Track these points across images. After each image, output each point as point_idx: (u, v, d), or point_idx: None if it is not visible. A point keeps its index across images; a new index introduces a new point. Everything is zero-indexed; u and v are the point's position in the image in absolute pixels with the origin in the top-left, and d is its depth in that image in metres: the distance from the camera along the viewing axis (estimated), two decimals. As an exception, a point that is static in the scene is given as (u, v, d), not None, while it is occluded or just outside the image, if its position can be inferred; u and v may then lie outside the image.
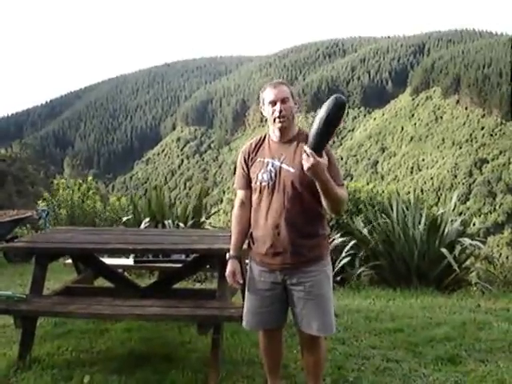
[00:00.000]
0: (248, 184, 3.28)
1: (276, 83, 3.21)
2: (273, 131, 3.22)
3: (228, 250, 3.42)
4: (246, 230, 3.32)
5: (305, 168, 2.86)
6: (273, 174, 3.13)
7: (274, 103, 3.13)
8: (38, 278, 4.57)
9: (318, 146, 2.86)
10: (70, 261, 5.98)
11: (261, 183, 3.16)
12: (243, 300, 3.48)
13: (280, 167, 3.13)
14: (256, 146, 3.29)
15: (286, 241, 3.11)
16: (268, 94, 3.16)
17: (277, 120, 3.12)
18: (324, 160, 2.86)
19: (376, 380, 3.87)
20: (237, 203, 3.36)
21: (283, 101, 3.12)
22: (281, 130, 3.15)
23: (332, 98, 2.84)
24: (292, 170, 3.09)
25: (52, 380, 3.88)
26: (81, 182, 12.65)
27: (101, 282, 6.03)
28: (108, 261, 5.87)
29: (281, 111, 3.10)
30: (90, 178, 13.01)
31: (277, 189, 3.12)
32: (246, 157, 3.29)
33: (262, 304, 3.26)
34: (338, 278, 7.39)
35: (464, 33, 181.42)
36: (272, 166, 3.15)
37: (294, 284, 3.17)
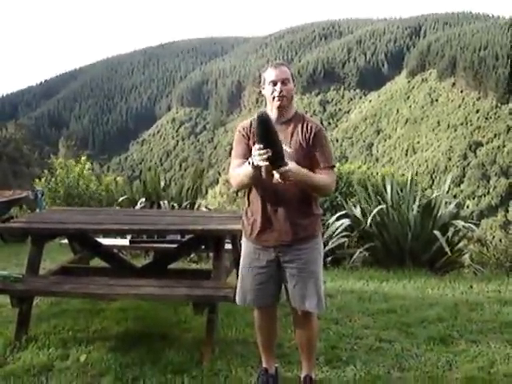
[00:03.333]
0: (248, 154, 3.10)
1: (277, 64, 3.27)
2: (271, 110, 3.24)
3: (223, 231, 3.44)
4: None
5: (279, 180, 2.93)
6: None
7: (274, 83, 3.17)
8: (33, 258, 4.60)
9: (277, 160, 2.87)
10: (65, 241, 6.00)
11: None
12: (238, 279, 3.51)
13: None
14: None
15: (281, 219, 3.18)
16: (269, 74, 3.20)
17: (276, 99, 3.16)
18: (291, 165, 2.91)
19: (369, 359, 3.92)
20: (235, 166, 3.24)
21: (283, 82, 3.17)
22: (279, 108, 3.19)
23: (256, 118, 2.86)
24: (288, 149, 3.12)
25: (48, 359, 3.92)
26: (75, 162, 12.58)
27: (97, 262, 6.05)
28: (104, 241, 5.90)
29: (280, 91, 3.15)
30: (83, 158, 12.93)
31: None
32: (248, 131, 3.24)
33: (256, 281, 3.31)
34: (332, 259, 7.45)
35: (460, 15, 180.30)
36: None
37: (288, 261, 3.23)
